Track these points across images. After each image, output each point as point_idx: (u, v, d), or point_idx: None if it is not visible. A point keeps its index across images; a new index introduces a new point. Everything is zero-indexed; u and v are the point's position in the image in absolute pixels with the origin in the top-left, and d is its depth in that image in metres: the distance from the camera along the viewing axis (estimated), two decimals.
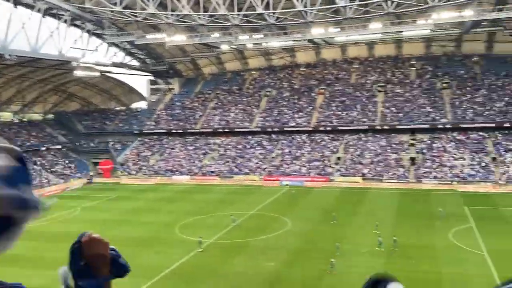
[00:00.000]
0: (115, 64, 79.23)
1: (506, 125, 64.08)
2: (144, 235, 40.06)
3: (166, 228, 42.22)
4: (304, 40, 66.59)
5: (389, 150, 66.94)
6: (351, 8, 57.41)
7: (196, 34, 68.03)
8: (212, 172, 70.38)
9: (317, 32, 63.56)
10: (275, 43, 71.67)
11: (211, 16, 62.49)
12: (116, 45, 77.78)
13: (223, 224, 42.29)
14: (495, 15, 56.22)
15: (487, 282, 27.51)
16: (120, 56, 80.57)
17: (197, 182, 67.74)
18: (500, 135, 64.57)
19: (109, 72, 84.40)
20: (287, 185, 61.83)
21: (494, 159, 60.86)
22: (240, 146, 75.72)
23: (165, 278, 29.58)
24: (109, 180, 72.74)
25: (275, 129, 75.99)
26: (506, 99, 67.99)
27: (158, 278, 29.42)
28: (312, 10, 58.30)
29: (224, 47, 74.06)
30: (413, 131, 69.06)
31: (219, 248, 35.81)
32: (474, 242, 35.12)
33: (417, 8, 57.38)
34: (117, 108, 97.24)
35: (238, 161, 71.80)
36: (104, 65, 77.33)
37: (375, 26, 61.43)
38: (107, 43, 73.82)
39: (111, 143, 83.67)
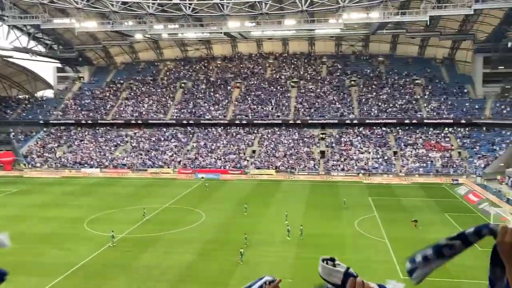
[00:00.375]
0: (17, 49, 73.48)
1: (406, 121, 69.30)
2: (50, 231, 37.88)
3: (74, 223, 40.24)
4: (220, 32, 66.62)
5: (301, 144, 69.37)
6: (266, 3, 58.50)
7: (108, 21, 65.18)
8: (124, 165, 68.17)
9: (233, 25, 63.87)
10: (191, 34, 70.96)
11: (124, 3, 60.31)
12: (19, 29, 72.21)
13: (136, 218, 41.22)
14: (399, 18, 60.41)
15: (387, 268, 29.70)
16: (24, 41, 74.89)
17: (108, 175, 65.24)
18: (401, 130, 69.63)
19: (10, 57, 78.06)
20: (202, 178, 61.71)
21: (395, 153, 65.52)
22: (154, 139, 74.12)
23: (72, 276, 28.22)
24: (10, 173, 67.63)
25: (191, 122, 75.36)
26: (407, 97, 73.40)
27: (65, 276, 28.00)
28: (228, 3, 58.52)
29: (138, 36, 71.91)
30: (323, 126, 72.18)
31: (131, 242, 34.88)
32: (377, 230, 37.65)
33: (328, 7, 59.94)
34: (20, 96, 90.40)
35: (151, 153, 70.26)
36: (4, 49, 71.43)
37: (289, 22, 63.08)
38: (8, 25, 68.23)
39: (13, 133, 77.68)
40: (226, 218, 41.82)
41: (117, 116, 77.92)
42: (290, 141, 70.26)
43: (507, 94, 69.22)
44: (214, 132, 74.16)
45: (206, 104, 77.72)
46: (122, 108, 79.29)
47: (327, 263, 1.88)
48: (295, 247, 33.26)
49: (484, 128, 66.27)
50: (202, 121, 75.07)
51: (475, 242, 1.90)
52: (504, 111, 65.72)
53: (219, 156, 68.18)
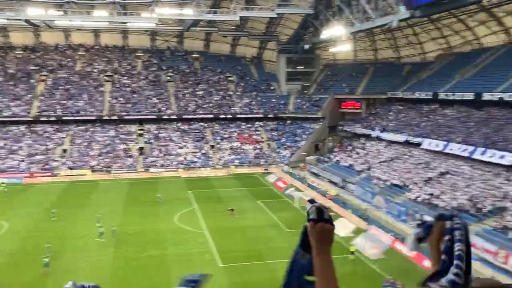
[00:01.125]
0: None
1: (222, 116, 72.49)
2: None
3: None
4: (20, 20, 59.52)
5: (118, 141, 66.73)
6: None
7: None
8: None
9: (35, 12, 57.72)
10: None
11: None
12: None
13: None
14: (211, 17, 62.70)
15: (207, 258, 30.69)
16: None
17: None
18: (217, 125, 72.52)
19: None
20: (3, 183, 54.47)
21: (212, 146, 68.02)
22: None
23: None
24: None
25: None
26: (221, 93, 76.68)
27: None
28: None
29: None
30: (141, 122, 70.67)
31: None
32: (196, 223, 38.56)
33: (141, 1, 58.77)
34: None
35: None
36: None
37: (100, 13, 59.86)
38: None
39: None
40: (34, 225, 37.82)
41: None
42: (106, 138, 66.91)
43: (306, 91, 77.93)
44: (16, 131, 66.04)
45: (4, 99, 68.62)
46: None
47: None
48: (112, 248, 31.96)
49: (288, 122, 73.52)
50: (0, 119, 66.15)
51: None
52: (304, 106, 73.83)
53: (22, 157, 61.08)
